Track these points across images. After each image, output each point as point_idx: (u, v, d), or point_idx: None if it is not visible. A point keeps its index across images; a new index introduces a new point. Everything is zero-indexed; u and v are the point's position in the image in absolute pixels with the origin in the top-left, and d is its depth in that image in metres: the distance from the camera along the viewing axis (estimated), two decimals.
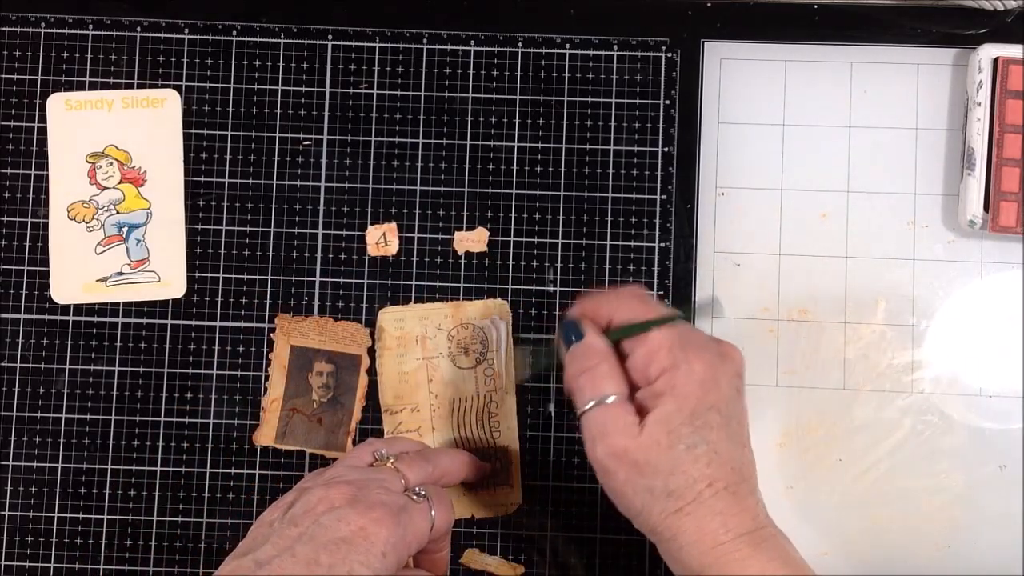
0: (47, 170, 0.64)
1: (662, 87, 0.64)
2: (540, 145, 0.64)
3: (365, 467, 0.53)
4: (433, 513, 0.52)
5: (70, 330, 0.63)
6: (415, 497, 0.51)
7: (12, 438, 0.63)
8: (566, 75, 0.64)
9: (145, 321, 0.63)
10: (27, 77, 0.64)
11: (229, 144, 0.64)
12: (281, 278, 0.63)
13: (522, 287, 0.63)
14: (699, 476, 0.49)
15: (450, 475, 0.56)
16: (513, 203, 0.64)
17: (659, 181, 0.64)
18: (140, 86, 0.64)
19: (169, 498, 0.62)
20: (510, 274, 0.63)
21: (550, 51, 0.64)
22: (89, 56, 0.64)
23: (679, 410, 0.49)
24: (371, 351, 0.63)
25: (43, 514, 0.62)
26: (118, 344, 0.63)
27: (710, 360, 0.50)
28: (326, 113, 0.64)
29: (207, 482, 0.62)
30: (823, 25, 0.64)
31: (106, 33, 0.65)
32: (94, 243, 0.64)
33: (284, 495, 0.52)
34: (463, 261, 0.63)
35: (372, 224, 0.64)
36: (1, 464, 0.63)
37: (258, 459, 0.62)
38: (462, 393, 0.62)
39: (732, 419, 0.50)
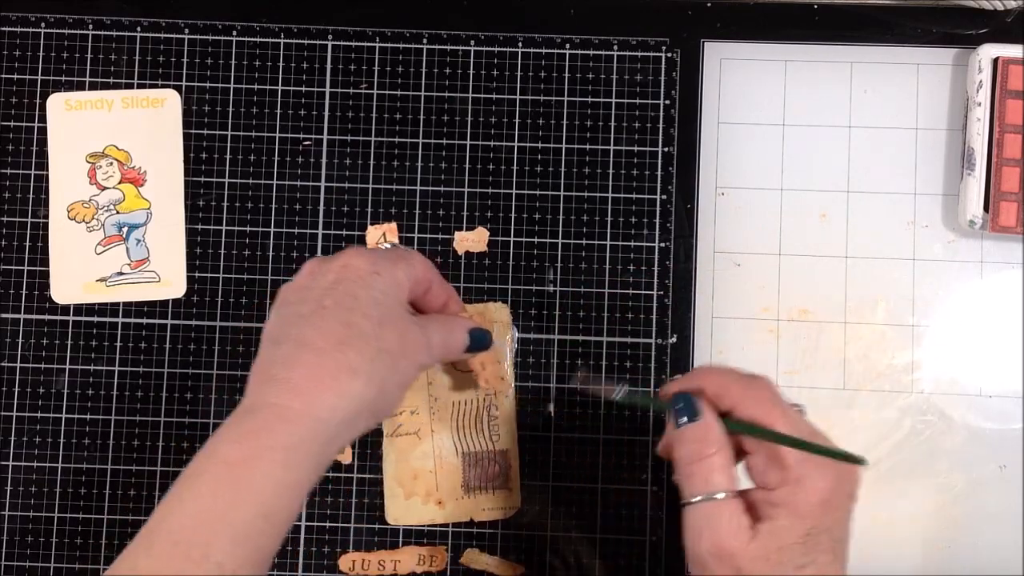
0: (47, 170, 0.64)
1: (662, 87, 0.64)
2: (540, 145, 0.64)
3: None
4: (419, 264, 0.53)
5: (70, 330, 0.63)
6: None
7: (12, 438, 0.63)
8: (566, 75, 0.64)
9: (145, 321, 0.63)
10: (27, 77, 0.64)
11: (229, 144, 0.64)
12: (281, 278, 0.63)
13: (522, 287, 0.63)
14: None
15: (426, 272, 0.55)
16: (513, 203, 0.64)
17: (659, 181, 0.64)
18: (140, 86, 0.64)
19: None
20: (510, 274, 0.63)
21: (550, 51, 0.64)
22: (89, 56, 0.64)
23: (794, 528, 0.46)
24: None
25: (43, 514, 0.62)
26: (118, 344, 0.63)
27: (833, 480, 0.46)
28: (326, 113, 0.64)
29: None
30: (823, 25, 0.64)
31: (106, 33, 0.65)
32: (94, 243, 0.64)
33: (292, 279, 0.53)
34: (463, 261, 0.63)
35: (372, 224, 0.64)
36: (1, 464, 0.63)
37: None
38: (461, 396, 0.62)
39: (842, 541, 0.47)
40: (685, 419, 0.48)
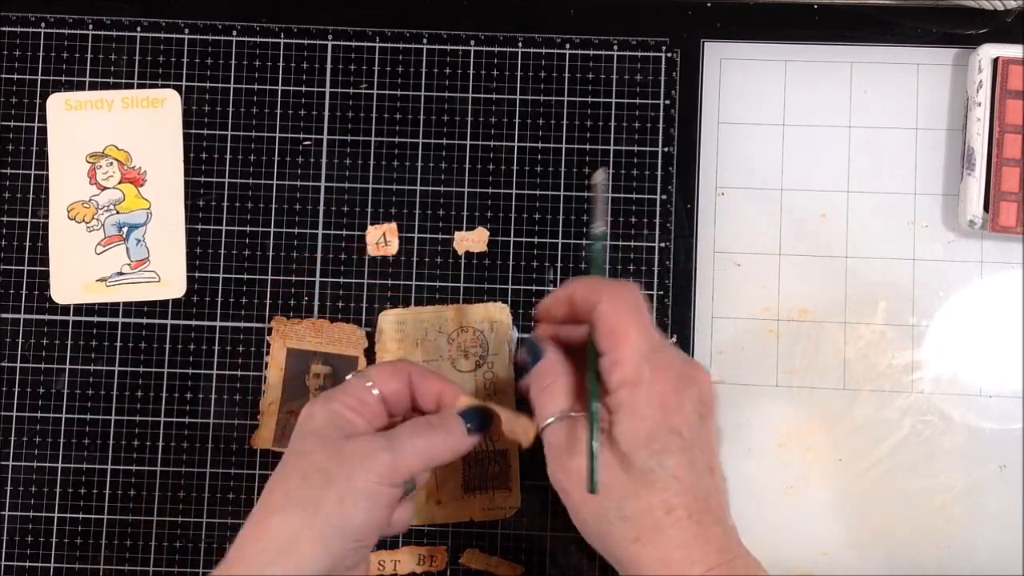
0: (47, 170, 0.64)
1: (662, 87, 0.64)
2: (540, 145, 0.64)
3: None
4: (369, 382, 0.51)
5: (70, 330, 0.63)
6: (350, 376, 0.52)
7: (12, 438, 0.63)
8: (566, 75, 0.64)
9: (145, 321, 0.63)
10: (27, 77, 0.64)
11: (229, 144, 0.64)
12: (281, 278, 0.63)
13: (522, 287, 0.63)
14: (656, 502, 0.46)
15: (421, 380, 0.53)
16: (513, 203, 0.64)
17: (659, 181, 0.64)
18: (140, 86, 0.64)
19: (169, 498, 0.62)
20: (510, 274, 0.63)
21: (550, 51, 0.64)
22: (89, 56, 0.64)
23: (635, 430, 0.46)
24: (367, 352, 0.63)
25: (43, 514, 0.62)
26: (118, 344, 0.63)
27: (674, 380, 0.47)
28: (326, 113, 0.64)
29: (207, 482, 0.62)
30: (823, 25, 0.64)
31: (106, 33, 0.65)
32: (94, 243, 0.64)
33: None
34: (463, 261, 0.63)
35: (372, 224, 0.64)
36: (1, 464, 0.63)
37: (258, 459, 0.62)
38: None
39: (696, 444, 0.47)
40: (530, 360, 0.51)
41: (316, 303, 0.63)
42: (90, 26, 0.65)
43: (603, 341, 0.48)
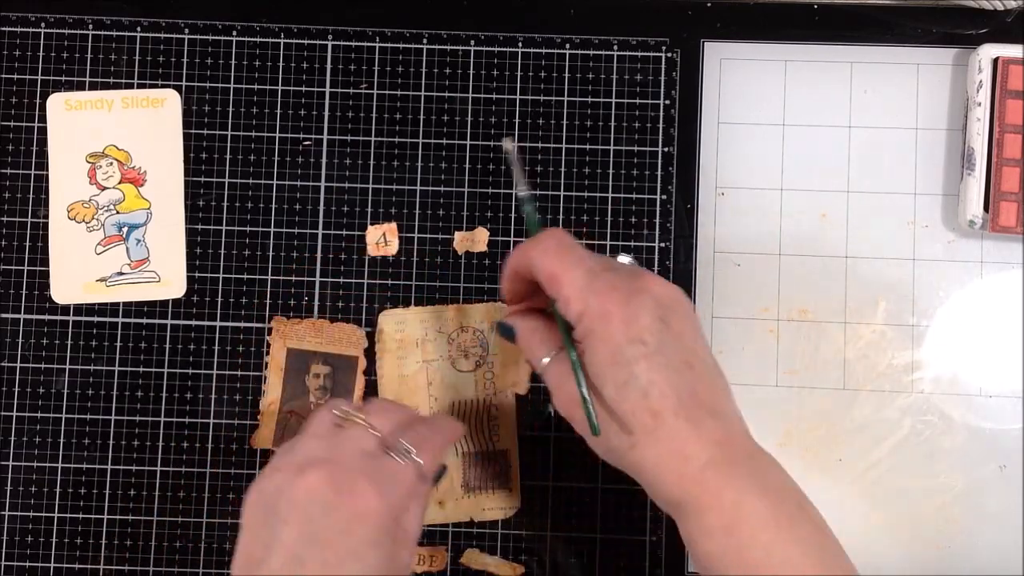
0: (47, 170, 0.64)
1: (662, 87, 0.64)
2: (540, 145, 0.64)
3: (331, 430, 0.52)
4: (419, 460, 0.51)
5: (70, 330, 0.63)
6: (395, 455, 0.51)
7: (12, 438, 0.63)
8: (566, 75, 0.64)
9: (145, 321, 0.63)
10: (27, 77, 0.64)
11: (229, 144, 0.64)
12: (281, 278, 0.63)
13: None
14: (638, 409, 0.47)
15: (414, 419, 0.55)
16: (513, 203, 0.64)
17: (659, 181, 0.64)
18: (140, 86, 0.64)
19: (169, 498, 0.62)
20: None
21: (550, 51, 0.64)
22: (89, 56, 0.64)
23: (598, 352, 0.48)
24: (367, 352, 0.63)
25: (43, 514, 0.62)
26: (118, 344, 0.63)
27: (621, 299, 0.48)
28: (326, 113, 0.64)
29: (207, 482, 0.62)
30: (823, 25, 0.64)
31: (106, 33, 0.65)
32: (94, 243, 0.64)
33: (259, 479, 0.51)
34: (463, 261, 0.63)
35: (372, 224, 0.64)
36: (1, 464, 0.63)
37: (258, 459, 0.62)
38: (462, 396, 0.62)
39: (665, 346, 0.48)
40: (508, 341, 0.54)
41: (316, 303, 0.63)
42: (90, 26, 0.65)
43: (548, 289, 0.50)
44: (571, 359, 0.50)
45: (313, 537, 0.48)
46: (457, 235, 0.64)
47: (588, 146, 0.64)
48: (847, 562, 0.48)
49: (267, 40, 0.65)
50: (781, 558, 0.46)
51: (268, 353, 0.63)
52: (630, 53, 0.64)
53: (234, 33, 0.65)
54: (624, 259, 0.54)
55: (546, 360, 0.51)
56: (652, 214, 0.63)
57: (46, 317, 0.63)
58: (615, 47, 0.64)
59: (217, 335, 0.63)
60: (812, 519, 0.47)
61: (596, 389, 0.49)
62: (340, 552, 0.48)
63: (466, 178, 0.64)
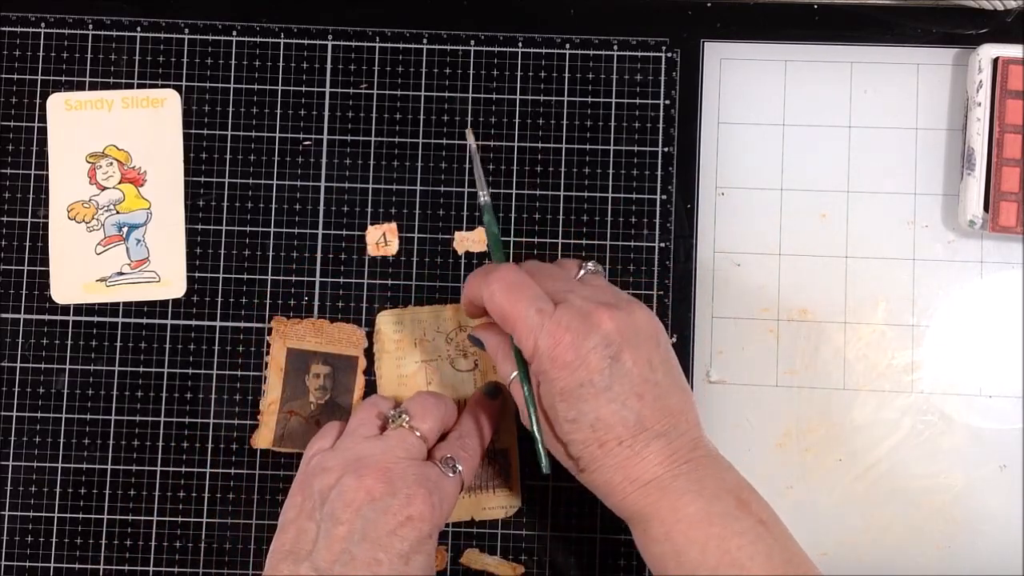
0: (47, 170, 0.64)
1: (662, 87, 0.64)
2: (540, 145, 0.64)
3: (379, 434, 0.56)
4: (463, 474, 0.56)
5: (70, 330, 0.63)
6: (447, 470, 0.55)
7: (12, 438, 0.63)
8: (566, 75, 0.64)
9: (145, 321, 0.63)
10: (27, 77, 0.64)
11: (229, 144, 0.64)
12: (281, 278, 0.63)
13: None
14: (586, 440, 0.51)
15: (452, 413, 0.59)
16: (513, 203, 0.64)
17: (659, 181, 0.64)
18: (140, 86, 0.64)
19: (169, 498, 0.62)
20: None
21: (550, 51, 0.64)
22: (89, 56, 0.64)
23: (550, 391, 0.51)
24: (367, 352, 0.63)
25: (43, 514, 0.62)
26: (118, 344, 0.63)
27: (572, 338, 0.50)
28: (326, 113, 0.64)
29: (207, 482, 0.62)
30: (823, 25, 0.64)
31: (106, 33, 0.65)
32: (94, 243, 0.64)
33: (306, 478, 0.54)
34: (463, 261, 0.63)
35: (372, 224, 0.64)
36: (1, 464, 0.63)
37: (258, 459, 0.62)
38: (461, 396, 0.62)
39: (615, 382, 0.51)
40: (479, 347, 0.58)
41: (316, 303, 0.63)
42: (90, 26, 0.65)
43: (504, 327, 0.53)
44: (524, 395, 0.53)
45: (364, 535, 0.51)
46: (457, 235, 0.64)
47: (588, 146, 0.64)
48: (795, 549, 0.50)
49: (267, 40, 0.65)
50: (717, 554, 0.49)
51: (268, 353, 0.63)
52: (630, 53, 0.64)
53: (234, 33, 0.65)
54: (591, 266, 0.57)
55: (511, 377, 0.54)
56: (652, 214, 0.63)
57: (46, 317, 0.63)
58: (615, 47, 0.64)
59: (217, 335, 0.63)
60: (753, 513, 0.50)
61: (549, 420, 0.52)
62: (391, 553, 0.51)
63: (466, 178, 0.64)
